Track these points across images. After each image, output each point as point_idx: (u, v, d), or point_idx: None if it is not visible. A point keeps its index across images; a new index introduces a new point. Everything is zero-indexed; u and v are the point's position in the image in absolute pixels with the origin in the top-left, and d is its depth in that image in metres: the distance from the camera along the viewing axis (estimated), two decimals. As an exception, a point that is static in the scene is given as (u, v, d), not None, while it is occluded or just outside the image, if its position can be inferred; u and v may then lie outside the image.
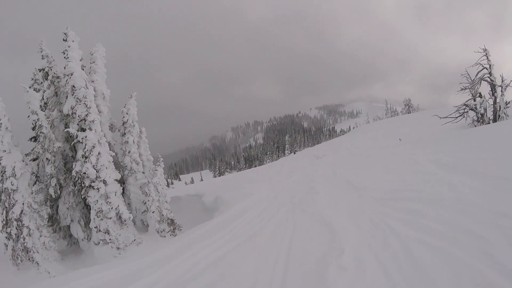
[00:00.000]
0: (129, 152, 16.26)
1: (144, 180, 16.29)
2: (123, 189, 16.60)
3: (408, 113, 57.02)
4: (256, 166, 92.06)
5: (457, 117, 19.50)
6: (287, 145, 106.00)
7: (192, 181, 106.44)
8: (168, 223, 15.70)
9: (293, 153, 50.91)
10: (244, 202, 14.20)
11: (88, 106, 13.81)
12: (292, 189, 14.99)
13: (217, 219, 12.62)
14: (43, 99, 15.36)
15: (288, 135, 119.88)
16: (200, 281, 6.53)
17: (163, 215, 15.48)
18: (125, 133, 16.45)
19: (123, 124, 16.56)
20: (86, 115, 13.79)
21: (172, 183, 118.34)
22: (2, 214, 13.24)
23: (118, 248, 14.01)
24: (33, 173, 14.20)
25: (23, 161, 13.63)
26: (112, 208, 13.92)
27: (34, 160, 14.57)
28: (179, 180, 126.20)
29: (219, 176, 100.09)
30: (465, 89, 19.36)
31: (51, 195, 14.49)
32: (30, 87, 14.84)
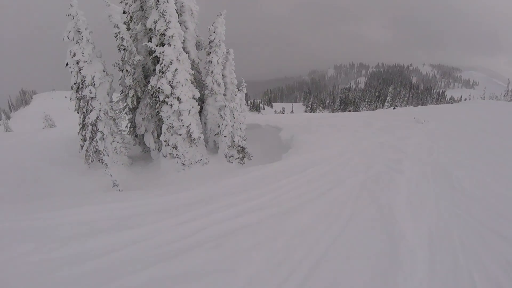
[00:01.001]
0: (211, 72, 15.52)
1: (223, 103, 15.66)
2: (201, 108, 16.27)
3: (531, 102, 49.17)
4: (350, 111, 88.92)
5: None
6: (388, 97, 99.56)
7: (283, 111, 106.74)
8: (238, 150, 15.22)
9: (393, 107, 47.31)
10: (315, 153, 12.68)
11: (167, 21, 13.03)
12: (374, 154, 12.44)
13: (279, 163, 11.25)
14: (129, 12, 15.10)
15: (392, 86, 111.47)
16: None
17: (234, 141, 14.97)
18: (210, 52, 15.65)
19: (209, 42, 15.71)
20: (166, 30, 13.10)
21: (264, 109, 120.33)
22: (80, 118, 14.02)
23: (183, 164, 14.04)
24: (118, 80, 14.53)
25: (104, 71, 13.90)
26: (183, 125, 13.67)
27: (121, 70, 14.70)
28: (271, 107, 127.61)
29: (310, 112, 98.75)
30: None
31: (130, 105, 14.86)
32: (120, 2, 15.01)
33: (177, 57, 13.35)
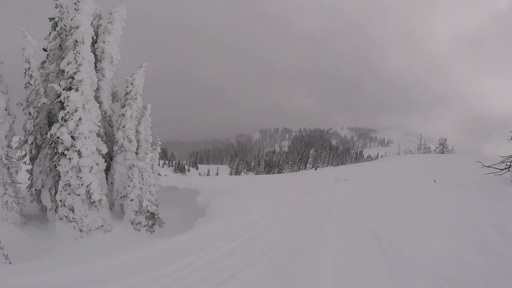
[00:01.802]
0: (123, 126, 14.40)
1: (132, 162, 14.34)
2: (109, 166, 14.83)
3: (442, 153, 53.79)
4: (274, 173, 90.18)
5: (502, 169, 16.92)
6: (310, 159, 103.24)
7: (208, 173, 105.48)
8: (147, 216, 13.74)
9: (314, 168, 48.52)
10: (230, 221, 11.33)
11: (78, 63, 12.00)
12: (295, 219, 11.11)
13: (184, 236, 9.51)
14: (47, 50, 13.89)
15: (314, 148, 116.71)
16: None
17: (142, 206, 13.52)
18: (124, 105, 14.62)
19: (125, 94, 14.75)
20: (75, 73, 11.99)
21: (189, 170, 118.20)
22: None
23: (81, 230, 12.23)
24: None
25: (6, 110, 12.24)
26: (82, 184, 12.11)
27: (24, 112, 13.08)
28: (197, 169, 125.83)
29: (235, 174, 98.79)
30: None
31: (28, 153, 13.21)
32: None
33: (84, 105, 12.14)
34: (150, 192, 13.91)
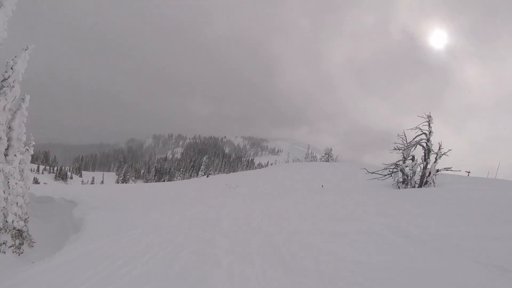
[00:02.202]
0: None
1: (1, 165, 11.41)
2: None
3: (327, 161, 57.38)
4: (164, 181, 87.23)
5: (385, 175, 18.19)
6: (203, 166, 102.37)
7: (92, 181, 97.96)
8: (13, 234, 11.07)
9: (206, 175, 47.59)
10: (103, 242, 9.18)
11: None
12: (183, 234, 9.53)
13: (47, 264, 7.26)
14: None
15: (207, 156, 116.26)
16: None
17: (7, 221, 10.84)
18: None
19: (1, 81, 11.69)
20: None
21: (71, 178, 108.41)
22: None
23: None
24: None
25: None
26: None
27: None
28: (81, 176, 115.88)
29: (123, 182, 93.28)
30: (399, 149, 18.80)
31: None
32: None
33: None
34: (17, 204, 11.24)
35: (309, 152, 72.04)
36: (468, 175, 22.67)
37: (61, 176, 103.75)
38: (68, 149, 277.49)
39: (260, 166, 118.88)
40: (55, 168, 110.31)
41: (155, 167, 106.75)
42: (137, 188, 26.23)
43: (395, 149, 18.68)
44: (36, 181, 78.54)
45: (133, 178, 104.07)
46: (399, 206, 10.74)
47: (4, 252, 10.85)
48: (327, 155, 60.85)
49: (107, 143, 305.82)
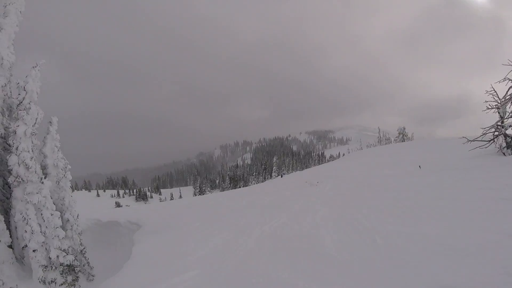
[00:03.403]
0: (16, 148, 10.39)
1: (26, 197, 10.33)
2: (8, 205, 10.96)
3: (403, 141, 52.88)
4: (240, 187, 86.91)
5: (489, 141, 14.80)
6: (274, 167, 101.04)
7: (171, 197, 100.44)
8: (62, 271, 9.94)
9: (280, 176, 45.74)
10: (155, 276, 7.50)
11: None
12: (260, 268, 6.58)
13: None
14: None
15: (276, 156, 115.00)
16: None
17: (50, 258, 9.71)
18: (17, 119, 10.67)
19: (17, 106, 10.82)
20: None
21: (151, 197, 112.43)
22: None
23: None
24: None
25: None
26: None
27: None
28: (160, 194, 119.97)
29: (199, 194, 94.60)
30: (492, 108, 14.76)
31: None
32: None
33: None
34: (58, 237, 10.09)
35: (381, 135, 67.47)
36: None
37: (141, 196, 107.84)
38: (145, 172, 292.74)
39: (332, 158, 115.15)
40: (135, 191, 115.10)
41: (229, 175, 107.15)
42: (211, 198, 24.61)
43: (488, 108, 15.12)
44: (118, 205, 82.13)
45: (208, 188, 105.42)
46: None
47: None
48: (401, 135, 56.42)
49: (179, 161, 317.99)
